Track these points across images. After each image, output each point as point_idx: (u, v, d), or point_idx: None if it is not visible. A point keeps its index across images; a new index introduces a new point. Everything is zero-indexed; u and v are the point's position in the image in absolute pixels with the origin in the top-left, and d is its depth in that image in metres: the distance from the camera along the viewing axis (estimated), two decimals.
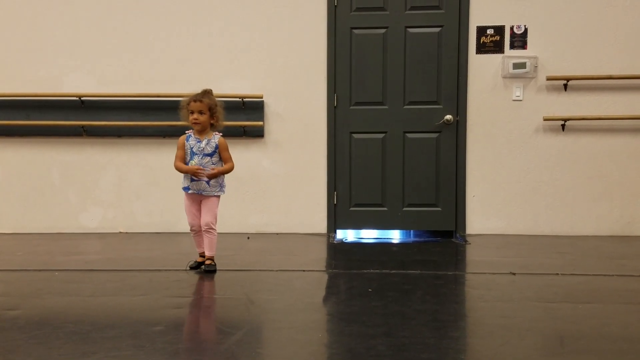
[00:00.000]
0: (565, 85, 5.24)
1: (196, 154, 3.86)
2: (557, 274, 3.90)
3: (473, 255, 4.73)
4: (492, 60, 5.26)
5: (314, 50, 5.34)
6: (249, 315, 3.05)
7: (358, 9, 5.29)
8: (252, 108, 5.34)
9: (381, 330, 2.75)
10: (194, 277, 3.85)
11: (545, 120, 5.24)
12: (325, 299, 3.40)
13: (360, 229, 5.53)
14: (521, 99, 5.28)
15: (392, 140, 5.36)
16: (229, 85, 5.27)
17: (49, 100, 5.38)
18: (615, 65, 5.20)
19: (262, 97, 5.32)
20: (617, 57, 5.21)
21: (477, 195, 5.36)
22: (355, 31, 5.31)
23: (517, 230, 5.34)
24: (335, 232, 5.42)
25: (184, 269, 3.99)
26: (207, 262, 3.96)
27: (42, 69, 5.40)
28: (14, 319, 2.94)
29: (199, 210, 3.95)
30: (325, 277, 3.93)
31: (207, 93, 3.87)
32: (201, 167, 3.83)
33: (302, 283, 3.72)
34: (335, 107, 5.36)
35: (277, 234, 5.41)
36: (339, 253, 4.77)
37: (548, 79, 5.21)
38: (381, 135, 5.37)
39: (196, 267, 4.02)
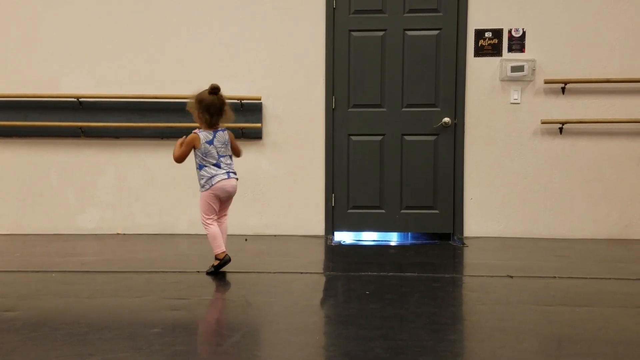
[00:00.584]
0: (563, 89, 5.25)
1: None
2: (555, 277, 3.91)
3: (471, 257, 4.74)
4: (490, 63, 5.27)
5: (312, 52, 5.34)
6: (246, 318, 3.06)
7: (357, 12, 5.30)
8: (251, 110, 5.34)
9: (379, 333, 2.75)
10: (191, 278, 3.85)
11: (543, 123, 5.25)
12: (323, 301, 3.41)
13: (358, 231, 5.53)
14: (519, 102, 5.29)
15: (390, 142, 5.37)
16: (227, 86, 5.22)
17: (47, 101, 5.38)
18: (613, 69, 5.21)
19: (260, 99, 5.32)
20: (615, 61, 5.22)
21: (475, 197, 5.37)
22: (354, 33, 5.32)
23: (514, 233, 5.35)
24: (333, 234, 5.43)
25: (189, 271, 3.99)
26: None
27: (40, 69, 5.40)
28: (11, 320, 2.94)
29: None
30: (322, 280, 3.94)
31: (220, 94, 3.93)
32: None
33: (299, 285, 3.72)
34: (333, 109, 5.36)
35: (275, 235, 5.41)
36: (337, 255, 4.77)
37: (546, 82, 5.22)
38: (379, 138, 5.38)
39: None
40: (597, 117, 5.24)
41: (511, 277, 3.90)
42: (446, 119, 5.28)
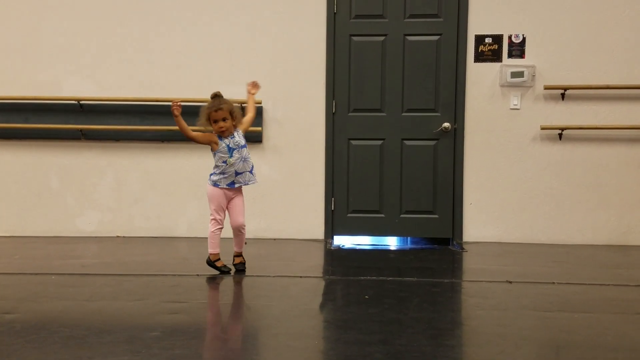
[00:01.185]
0: (563, 95, 5.26)
1: (235, 149, 3.95)
2: (554, 282, 3.91)
3: (470, 263, 4.74)
4: (490, 68, 5.28)
5: (313, 56, 5.35)
6: (245, 321, 3.06)
7: (357, 17, 5.31)
8: None
9: (377, 338, 2.76)
10: (190, 282, 3.85)
11: (542, 129, 5.26)
12: (322, 305, 3.41)
13: (358, 235, 5.53)
14: (519, 107, 5.30)
15: (390, 147, 5.38)
16: (228, 90, 5.20)
17: (48, 104, 5.38)
18: (613, 75, 5.23)
19: (260, 103, 5.32)
20: (615, 67, 5.23)
21: (474, 203, 5.37)
22: (355, 38, 5.33)
23: (513, 238, 5.35)
24: (333, 239, 5.43)
25: (188, 274, 3.99)
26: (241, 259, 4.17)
27: (41, 72, 5.40)
28: (10, 323, 2.94)
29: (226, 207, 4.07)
30: (322, 284, 3.94)
31: (221, 98, 3.97)
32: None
33: (298, 289, 3.72)
34: (333, 113, 5.37)
35: (275, 239, 5.41)
36: (336, 259, 4.77)
37: (546, 88, 5.23)
38: (379, 142, 5.38)
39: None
40: (597, 123, 5.25)
41: (510, 282, 3.90)
42: (446, 124, 5.29)
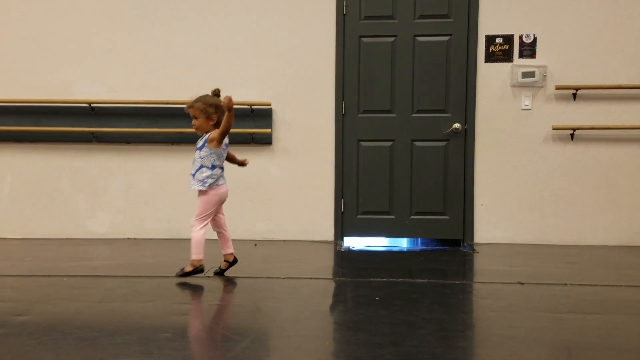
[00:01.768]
0: (574, 95, 5.23)
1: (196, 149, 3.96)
2: (565, 284, 3.88)
3: (481, 264, 4.72)
4: (501, 69, 5.27)
5: (322, 58, 5.35)
6: (255, 323, 3.06)
7: (367, 18, 5.31)
8: (260, 115, 5.36)
9: (388, 340, 2.75)
10: (201, 283, 3.86)
11: (554, 129, 5.23)
12: (332, 307, 3.40)
13: (368, 236, 5.52)
14: (530, 108, 5.27)
15: (400, 148, 5.37)
16: (237, 92, 5.25)
17: (59, 107, 5.42)
18: (624, 75, 5.19)
19: (270, 105, 5.34)
20: (626, 67, 5.20)
21: (485, 204, 5.35)
22: (364, 39, 5.33)
23: (525, 239, 5.33)
24: (343, 240, 5.42)
25: (199, 275, 4.00)
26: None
27: (52, 75, 5.44)
28: (22, 325, 2.96)
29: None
30: (332, 285, 3.93)
31: (200, 98, 3.90)
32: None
33: (309, 291, 3.72)
34: (343, 115, 5.37)
35: (284, 241, 5.41)
36: (346, 261, 4.77)
37: (557, 88, 5.20)
38: (389, 144, 5.37)
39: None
40: (609, 123, 5.22)
41: (522, 283, 3.88)
42: (456, 125, 5.27)
